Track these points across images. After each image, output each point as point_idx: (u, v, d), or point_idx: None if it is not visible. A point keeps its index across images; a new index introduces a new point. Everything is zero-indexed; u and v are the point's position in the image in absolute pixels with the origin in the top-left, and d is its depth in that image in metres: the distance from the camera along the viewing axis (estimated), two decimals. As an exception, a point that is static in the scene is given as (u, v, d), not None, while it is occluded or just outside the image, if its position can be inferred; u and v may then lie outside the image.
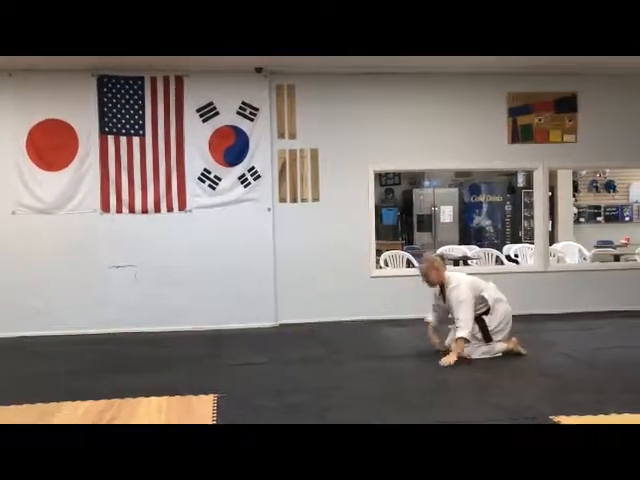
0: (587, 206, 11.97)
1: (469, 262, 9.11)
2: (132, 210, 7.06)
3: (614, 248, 10.62)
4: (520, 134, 7.67)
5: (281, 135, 7.29)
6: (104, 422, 3.76)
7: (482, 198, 12.17)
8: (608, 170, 11.74)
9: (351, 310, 7.29)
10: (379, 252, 8.70)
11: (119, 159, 7.01)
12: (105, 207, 7.02)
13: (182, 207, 7.15)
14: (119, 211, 7.04)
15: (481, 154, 7.60)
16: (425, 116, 7.50)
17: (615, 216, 11.97)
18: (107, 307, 6.97)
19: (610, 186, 11.98)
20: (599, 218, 11.98)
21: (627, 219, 11.99)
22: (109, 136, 6.99)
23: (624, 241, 11.18)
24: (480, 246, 10.79)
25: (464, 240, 11.66)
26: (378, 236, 8.16)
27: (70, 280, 6.97)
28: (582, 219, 11.92)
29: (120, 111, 7.00)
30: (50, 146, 6.90)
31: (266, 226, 7.24)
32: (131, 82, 6.99)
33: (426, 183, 12.15)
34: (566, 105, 7.69)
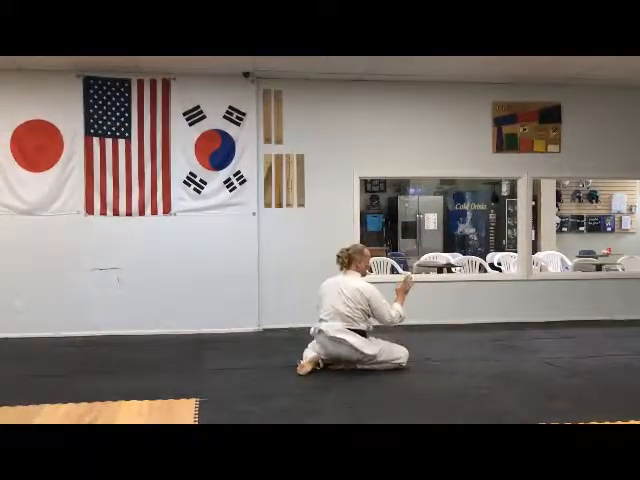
0: (570, 216, 12.09)
1: (453, 269, 9.15)
2: (116, 213, 7.02)
3: (596, 258, 10.71)
4: (505, 143, 7.73)
5: (267, 140, 7.30)
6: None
7: (466, 206, 12.26)
8: (591, 181, 11.87)
9: (335, 316, 7.27)
10: (363, 258, 8.69)
11: (104, 161, 6.97)
12: (89, 209, 6.98)
13: (167, 210, 7.12)
14: (103, 213, 7.00)
15: (466, 162, 7.65)
16: (411, 124, 7.54)
17: (597, 226, 12.09)
18: (89, 310, 6.92)
19: (593, 196, 12.11)
20: (581, 228, 12.10)
21: (609, 229, 12.12)
22: (94, 138, 6.96)
23: (606, 251, 11.29)
24: (464, 254, 10.86)
25: (448, 248, 11.74)
26: (363, 242, 8.14)
27: (52, 282, 6.91)
28: (565, 229, 12.03)
29: (106, 113, 6.97)
30: (34, 146, 6.85)
31: (251, 231, 7.24)
32: (117, 84, 6.97)
33: (411, 190, 12.21)
34: (550, 115, 7.78)
